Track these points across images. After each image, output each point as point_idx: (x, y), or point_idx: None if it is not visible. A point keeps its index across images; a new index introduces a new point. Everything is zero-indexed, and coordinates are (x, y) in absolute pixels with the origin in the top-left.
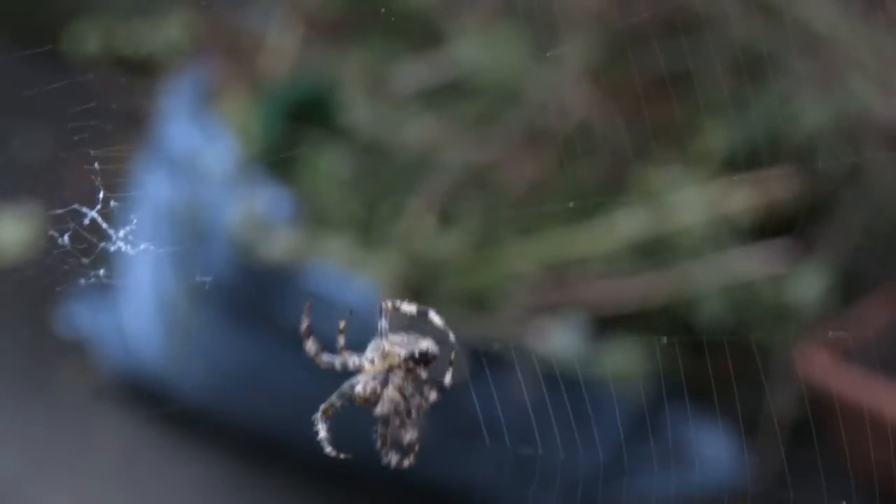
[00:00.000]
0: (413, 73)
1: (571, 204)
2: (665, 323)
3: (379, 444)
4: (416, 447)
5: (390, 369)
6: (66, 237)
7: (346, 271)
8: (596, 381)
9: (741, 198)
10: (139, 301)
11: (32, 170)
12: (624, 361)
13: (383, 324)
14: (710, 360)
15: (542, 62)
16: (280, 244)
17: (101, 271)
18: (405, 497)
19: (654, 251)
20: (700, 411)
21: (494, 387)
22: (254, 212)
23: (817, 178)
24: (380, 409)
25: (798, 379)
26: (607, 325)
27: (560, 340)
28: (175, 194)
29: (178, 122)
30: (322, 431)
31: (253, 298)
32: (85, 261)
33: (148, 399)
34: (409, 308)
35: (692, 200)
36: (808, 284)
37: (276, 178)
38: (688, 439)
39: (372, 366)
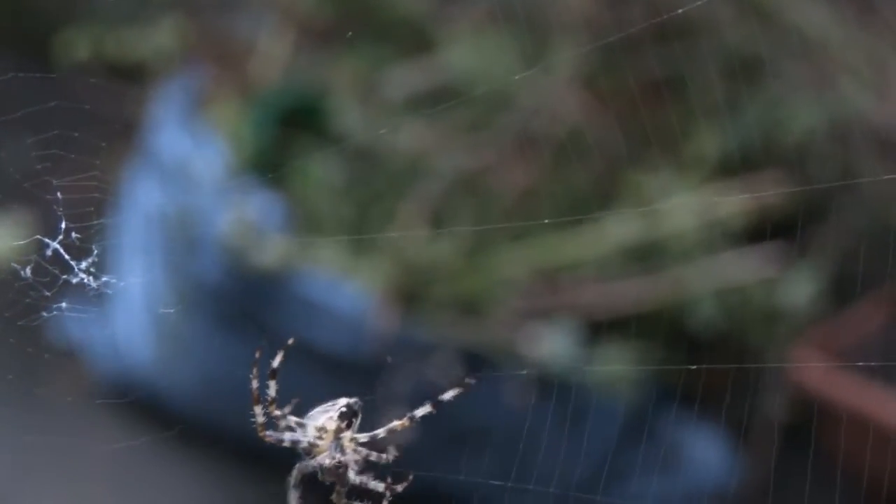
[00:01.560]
0: (404, 79)
1: (568, 217)
2: (658, 327)
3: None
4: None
5: (338, 437)
6: (28, 269)
7: (337, 277)
8: (589, 385)
9: (733, 202)
10: (131, 308)
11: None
12: (616, 366)
13: (288, 410)
14: (702, 364)
15: (533, 68)
16: (272, 251)
17: (63, 304)
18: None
19: (647, 256)
20: (693, 415)
21: (487, 392)
22: (245, 218)
23: (809, 183)
24: (352, 478)
25: (790, 382)
26: (600, 329)
27: (552, 345)
28: (166, 201)
29: (169, 128)
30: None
31: (244, 305)
32: (47, 293)
33: (140, 405)
34: (278, 360)
35: (684, 205)
36: (800, 288)
37: (268, 184)
38: (680, 443)
39: (322, 441)
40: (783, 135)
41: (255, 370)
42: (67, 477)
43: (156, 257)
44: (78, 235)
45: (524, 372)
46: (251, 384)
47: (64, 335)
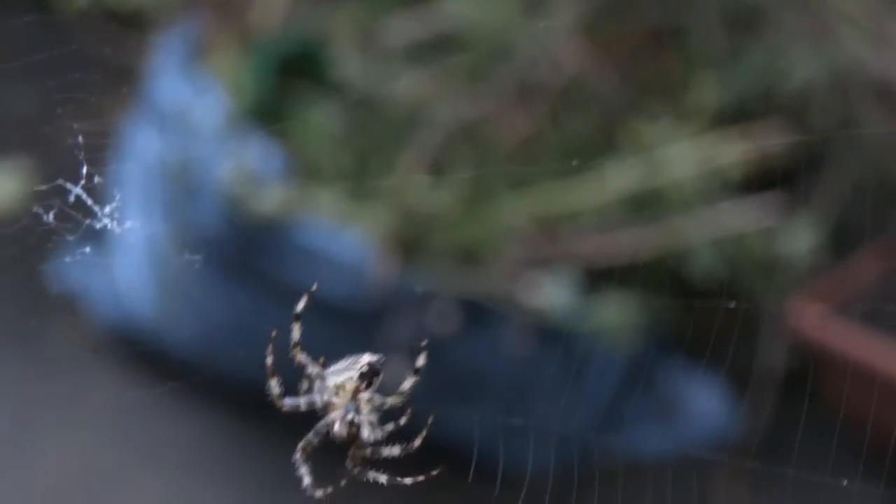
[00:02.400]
0: (404, 27)
1: (575, 162)
2: (656, 276)
3: (352, 465)
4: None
5: (354, 396)
6: (50, 215)
7: (337, 226)
8: (587, 334)
9: (733, 152)
10: (131, 256)
11: (19, 130)
12: (616, 315)
13: (312, 369)
14: (701, 314)
15: (533, 16)
16: (271, 199)
17: (87, 249)
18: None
19: (646, 205)
20: (692, 364)
21: (486, 341)
22: (245, 166)
23: (809, 132)
24: (366, 436)
25: (789, 332)
26: (599, 278)
27: (551, 294)
28: (165, 149)
29: (169, 77)
30: (306, 477)
31: (244, 253)
32: (70, 238)
33: (141, 353)
34: (297, 332)
35: (683, 154)
36: (800, 238)
37: (267, 132)
38: (679, 393)
39: (339, 399)
40: (783, 84)
41: (270, 347)
42: (69, 427)
43: (155, 206)
44: (100, 180)
45: (523, 320)
46: (266, 360)
47: (65, 285)
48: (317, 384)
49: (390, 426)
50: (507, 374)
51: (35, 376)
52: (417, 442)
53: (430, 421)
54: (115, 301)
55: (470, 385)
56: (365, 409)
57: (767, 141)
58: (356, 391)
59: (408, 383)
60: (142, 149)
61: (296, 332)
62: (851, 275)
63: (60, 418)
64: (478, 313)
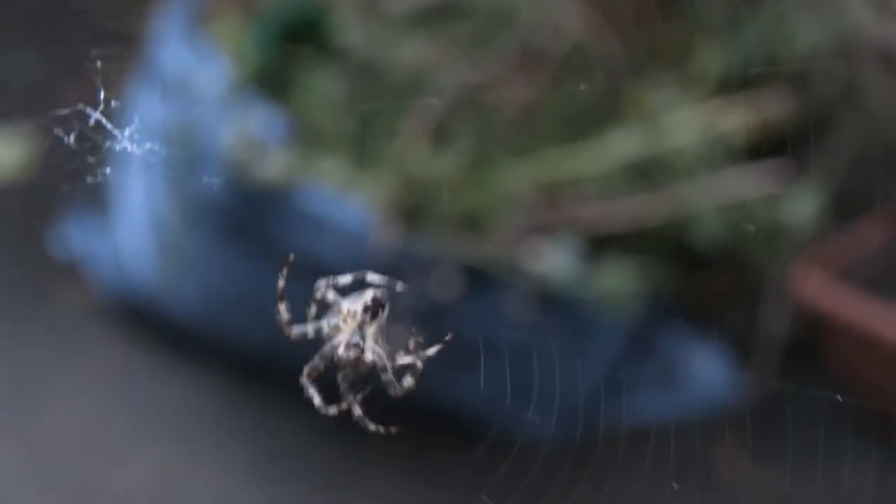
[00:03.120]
0: None
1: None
2: (659, 243)
3: (344, 384)
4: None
5: (361, 326)
6: (71, 137)
7: (339, 192)
8: (590, 301)
9: (736, 118)
10: (133, 222)
11: (27, 89)
12: (618, 281)
13: (330, 296)
14: (704, 280)
15: None
16: (274, 165)
17: (108, 170)
18: (398, 422)
19: (649, 171)
20: (694, 331)
21: (488, 307)
22: (247, 133)
23: (812, 99)
24: (368, 357)
25: (792, 298)
26: (601, 245)
27: (554, 261)
28: (168, 116)
29: (171, 43)
30: (316, 398)
31: (246, 219)
32: (91, 159)
33: (142, 319)
34: (345, 280)
35: (687, 120)
36: (803, 204)
37: (270, 98)
38: (681, 359)
39: (346, 325)
40: (787, 51)
41: (284, 270)
42: (71, 390)
43: (157, 171)
44: (117, 104)
45: (526, 287)
46: (279, 283)
47: (67, 250)
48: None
49: (395, 361)
50: (508, 341)
51: (35, 341)
52: (431, 351)
53: (449, 338)
54: (117, 266)
55: (471, 351)
56: (370, 338)
57: (771, 107)
58: (362, 323)
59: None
60: (144, 115)
61: (282, 310)
62: (854, 241)
63: (61, 383)
64: (480, 280)
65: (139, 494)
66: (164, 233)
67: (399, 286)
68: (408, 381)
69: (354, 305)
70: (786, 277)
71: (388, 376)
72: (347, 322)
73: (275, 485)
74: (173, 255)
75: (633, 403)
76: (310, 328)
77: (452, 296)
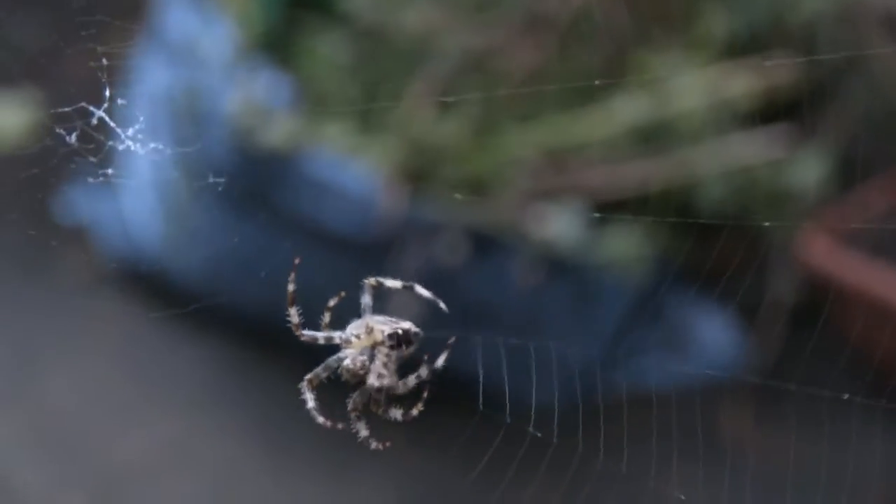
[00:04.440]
0: None
1: (597, 80)
2: (665, 208)
3: (351, 408)
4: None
5: (374, 346)
6: (73, 136)
7: (345, 157)
8: (595, 265)
9: (741, 83)
10: (139, 188)
11: (35, 59)
12: (624, 246)
13: (367, 300)
14: (710, 246)
15: None
16: (279, 130)
17: (110, 170)
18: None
19: (654, 136)
20: (700, 296)
21: (494, 272)
22: (253, 97)
23: (817, 64)
24: (370, 382)
25: (798, 263)
26: (607, 210)
27: (560, 226)
28: (174, 81)
29: (177, 8)
30: (310, 401)
31: (252, 184)
32: (93, 160)
33: (148, 286)
34: (393, 283)
35: (692, 85)
36: (808, 169)
37: (276, 63)
38: (688, 324)
39: (358, 341)
40: (791, 16)
41: (293, 275)
42: (76, 356)
43: (163, 136)
44: (123, 102)
45: (531, 252)
46: (288, 287)
47: (72, 215)
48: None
49: (400, 386)
50: (515, 305)
51: (40, 308)
52: (415, 412)
53: (424, 395)
54: (123, 232)
55: (477, 316)
56: (379, 360)
57: (776, 73)
58: (378, 344)
59: (423, 371)
60: (149, 80)
61: (293, 314)
62: (860, 206)
63: (65, 351)
64: (486, 244)
65: (142, 464)
66: (170, 198)
67: (442, 306)
68: (397, 414)
69: (383, 327)
70: (791, 242)
71: (390, 412)
72: (361, 338)
73: (280, 453)
74: (179, 221)
75: (638, 367)
76: (321, 335)
77: (458, 260)
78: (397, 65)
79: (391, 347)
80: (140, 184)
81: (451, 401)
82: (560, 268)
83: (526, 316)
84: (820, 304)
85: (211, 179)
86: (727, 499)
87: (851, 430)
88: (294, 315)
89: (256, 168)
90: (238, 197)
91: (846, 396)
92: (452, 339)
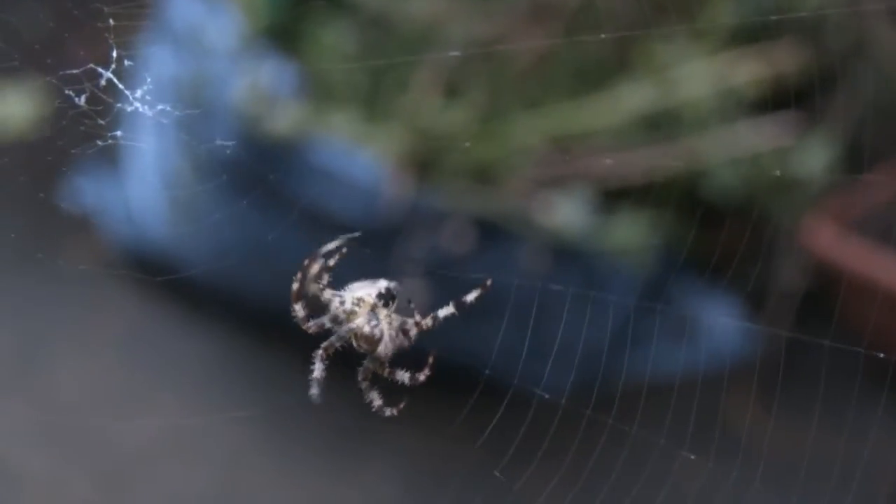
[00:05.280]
0: None
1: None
2: (671, 196)
3: (362, 378)
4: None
5: (373, 309)
6: (82, 98)
7: (351, 145)
8: (603, 254)
9: (748, 70)
10: (144, 176)
11: (37, 42)
12: (631, 234)
13: (328, 293)
14: (716, 233)
15: None
16: (285, 118)
17: (119, 133)
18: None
19: (661, 124)
20: (706, 283)
21: (501, 260)
22: (259, 86)
23: (823, 51)
24: (383, 349)
25: (804, 251)
26: (614, 198)
27: (566, 213)
28: (180, 69)
29: None
30: (317, 371)
31: (258, 172)
32: (102, 122)
33: (153, 273)
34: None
35: (698, 74)
36: (815, 157)
37: (281, 52)
38: (694, 311)
39: (359, 309)
40: (798, 3)
41: (299, 274)
42: (79, 343)
43: (168, 135)
44: (130, 63)
45: (538, 240)
46: (293, 286)
47: (77, 203)
48: (335, 302)
49: (408, 340)
50: (521, 294)
51: (45, 295)
52: (422, 377)
53: (431, 360)
54: (128, 220)
55: (484, 304)
56: (384, 321)
57: (782, 60)
58: (374, 307)
59: (443, 311)
60: (155, 68)
61: (298, 308)
62: (866, 193)
63: (70, 338)
64: (492, 233)
65: (146, 451)
66: (175, 186)
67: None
68: (405, 376)
69: (368, 291)
70: (798, 230)
71: (397, 374)
72: (360, 307)
73: (287, 438)
74: (184, 208)
75: (646, 356)
76: (326, 318)
77: (465, 249)
78: (403, 53)
79: (384, 305)
80: (144, 169)
81: (457, 388)
82: (566, 255)
83: (532, 304)
84: (827, 290)
85: (218, 142)
86: (735, 489)
87: (858, 419)
88: (299, 310)
89: (262, 155)
90: (243, 185)
91: (853, 383)
92: (489, 281)
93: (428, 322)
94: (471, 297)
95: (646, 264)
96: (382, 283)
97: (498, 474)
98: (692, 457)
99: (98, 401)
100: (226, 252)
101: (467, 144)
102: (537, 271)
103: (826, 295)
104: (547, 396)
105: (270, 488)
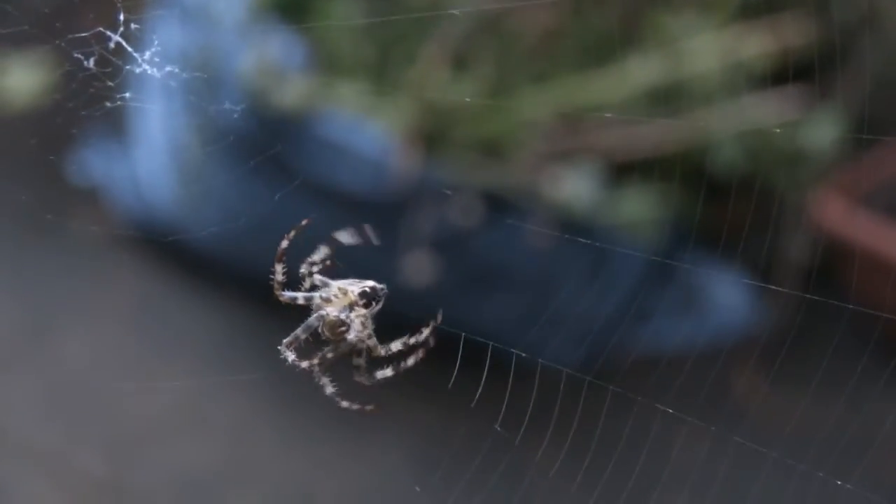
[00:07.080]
0: None
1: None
2: (679, 170)
3: (318, 361)
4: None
5: (350, 306)
6: (91, 60)
7: (359, 118)
8: (610, 227)
9: (756, 44)
10: (152, 148)
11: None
12: (639, 208)
13: (316, 279)
14: (724, 208)
15: None
16: (293, 91)
17: (127, 94)
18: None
19: (669, 98)
20: (714, 258)
21: (508, 234)
22: (267, 59)
23: (831, 24)
24: (350, 338)
25: (812, 225)
26: (621, 172)
27: (574, 187)
28: (188, 42)
29: None
30: (290, 357)
31: (265, 145)
32: (111, 83)
33: (161, 246)
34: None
35: (707, 47)
36: (823, 131)
37: (289, 24)
38: (702, 286)
39: (337, 300)
40: None
41: (292, 233)
42: (88, 316)
43: (176, 98)
44: (137, 27)
45: (546, 214)
46: (281, 244)
47: (85, 174)
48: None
49: (382, 350)
50: (529, 268)
51: (54, 268)
52: (410, 361)
53: (420, 356)
54: (136, 192)
55: (492, 278)
56: (356, 319)
57: (791, 33)
58: (353, 304)
59: (395, 345)
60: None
61: (279, 271)
62: (875, 167)
63: (79, 311)
64: (500, 206)
65: (155, 423)
66: (184, 158)
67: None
68: (386, 372)
69: (352, 287)
70: (806, 204)
71: (361, 361)
72: (339, 298)
73: (292, 412)
74: (192, 180)
75: (653, 330)
76: (301, 295)
77: (472, 222)
78: (411, 26)
79: (364, 305)
80: (152, 142)
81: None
82: (574, 229)
83: (540, 278)
84: (834, 265)
85: (226, 105)
86: (739, 464)
87: (865, 391)
88: (279, 273)
89: (270, 129)
90: (251, 157)
91: (859, 358)
92: (438, 319)
93: (381, 352)
94: (423, 335)
95: (654, 238)
96: (369, 283)
97: (499, 429)
98: (701, 424)
99: (106, 372)
100: (234, 225)
101: (475, 117)
102: (545, 245)
103: (833, 268)
104: (561, 368)
105: (277, 459)
